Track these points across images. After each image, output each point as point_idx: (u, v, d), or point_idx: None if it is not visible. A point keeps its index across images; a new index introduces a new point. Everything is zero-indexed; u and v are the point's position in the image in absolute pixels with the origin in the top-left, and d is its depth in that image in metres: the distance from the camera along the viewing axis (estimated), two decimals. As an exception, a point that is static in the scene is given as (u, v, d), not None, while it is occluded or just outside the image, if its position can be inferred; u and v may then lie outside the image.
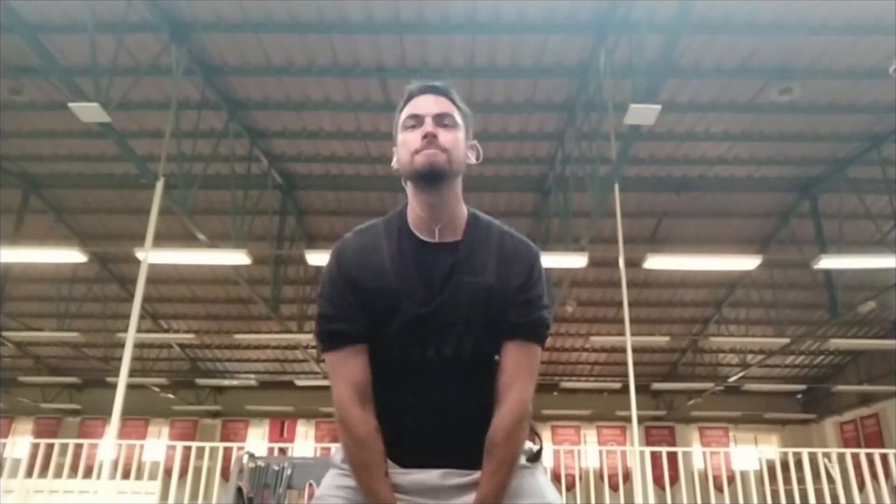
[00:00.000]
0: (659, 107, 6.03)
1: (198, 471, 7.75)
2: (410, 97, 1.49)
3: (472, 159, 1.52)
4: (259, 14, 7.06)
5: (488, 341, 1.43)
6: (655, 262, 9.30)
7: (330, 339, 1.44)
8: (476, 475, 1.39)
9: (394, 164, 1.50)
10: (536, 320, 1.45)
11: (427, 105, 1.45)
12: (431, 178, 1.41)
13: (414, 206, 1.48)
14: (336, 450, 1.53)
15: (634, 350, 8.00)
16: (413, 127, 1.44)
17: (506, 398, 1.41)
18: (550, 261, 8.49)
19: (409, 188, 1.48)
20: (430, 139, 1.41)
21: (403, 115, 1.48)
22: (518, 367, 1.42)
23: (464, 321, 1.40)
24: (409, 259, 1.43)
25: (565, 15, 7.02)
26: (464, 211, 1.50)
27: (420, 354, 1.41)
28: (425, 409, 1.41)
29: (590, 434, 18.65)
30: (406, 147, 1.44)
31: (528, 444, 1.51)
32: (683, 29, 5.67)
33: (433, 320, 1.40)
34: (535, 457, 1.50)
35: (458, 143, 1.45)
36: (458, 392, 1.42)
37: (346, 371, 1.42)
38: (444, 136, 1.43)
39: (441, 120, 1.44)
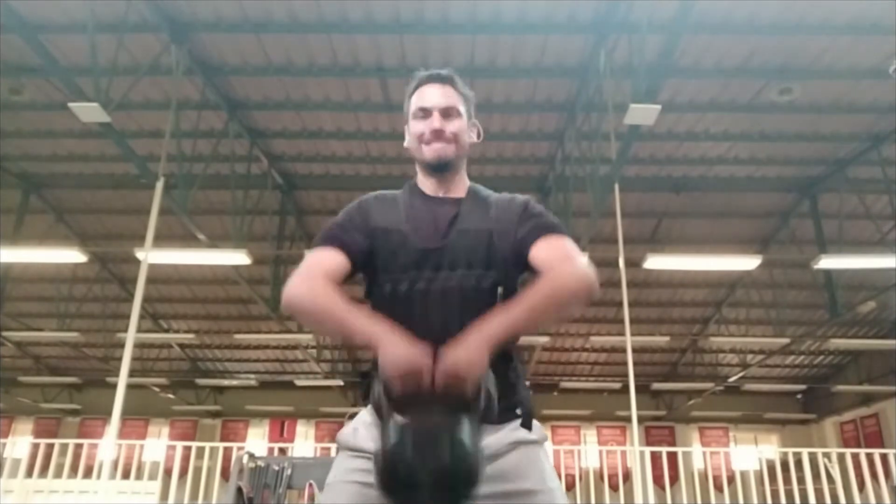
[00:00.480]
0: (659, 107, 6.04)
1: (198, 471, 7.75)
2: (419, 85, 1.66)
3: (474, 138, 1.70)
4: (259, 14, 7.06)
5: (490, 277, 1.50)
6: (655, 262, 9.30)
7: (323, 240, 1.56)
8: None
9: (406, 143, 1.70)
10: (548, 222, 1.56)
11: (434, 97, 1.62)
12: (439, 168, 1.61)
13: (422, 177, 1.68)
14: (343, 430, 1.52)
15: (634, 350, 8.00)
16: (422, 118, 1.62)
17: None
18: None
19: (418, 167, 1.67)
20: (438, 134, 1.59)
21: (413, 104, 1.65)
22: (553, 254, 1.48)
23: (466, 260, 1.50)
24: (418, 208, 1.60)
25: (565, 15, 7.02)
26: (466, 182, 1.69)
27: (426, 287, 1.48)
28: (430, 336, 1.37)
29: (590, 434, 18.65)
30: (415, 136, 1.63)
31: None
32: (683, 29, 5.67)
33: (438, 257, 1.50)
34: (528, 416, 1.49)
35: (463, 131, 1.63)
36: (461, 323, 1.38)
37: (324, 263, 1.50)
38: (450, 127, 1.60)
39: (447, 114, 1.61)
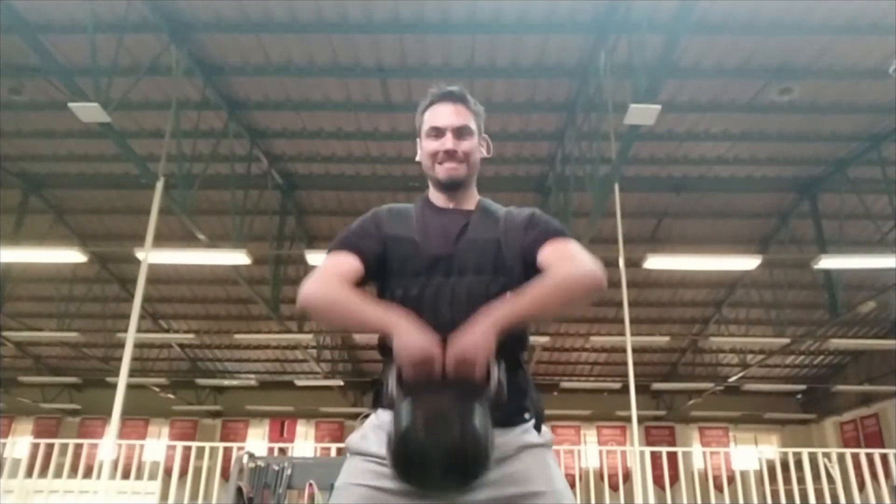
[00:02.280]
0: (659, 107, 6.03)
1: (198, 471, 7.75)
2: (431, 103, 1.70)
3: (485, 153, 1.75)
4: (259, 14, 7.06)
5: (498, 282, 1.53)
6: (655, 262, 9.30)
7: (338, 244, 1.60)
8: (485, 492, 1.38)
9: (418, 158, 1.73)
10: (554, 228, 1.60)
11: (447, 116, 1.66)
12: (451, 187, 1.67)
13: (434, 193, 1.72)
14: (352, 435, 1.53)
15: (634, 350, 8.00)
16: (435, 137, 1.66)
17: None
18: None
19: (430, 182, 1.72)
20: (450, 154, 1.64)
21: (426, 122, 1.69)
22: (561, 253, 1.52)
23: (475, 266, 1.54)
24: (430, 218, 1.65)
25: (565, 15, 7.02)
26: (476, 196, 1.73)
27: (436, 292, 1.51)
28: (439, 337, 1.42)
29: (590, 434, 18.66)
30: (428, 154, 1.68)
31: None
32: (683, 29, 5.67)
33: (448, 263, 1.54)
34: (538, 421, 1.51)
35: (474, 150, 1.68)
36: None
37: (340, 266, 1.54)
38: (462, 147, 1.65)
39: (459, 133, 1.65)
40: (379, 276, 1.59)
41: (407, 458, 1.24)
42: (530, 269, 1.53)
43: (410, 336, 1.29)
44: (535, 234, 1.58)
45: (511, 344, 1.42)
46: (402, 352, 1.28)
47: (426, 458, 1.22)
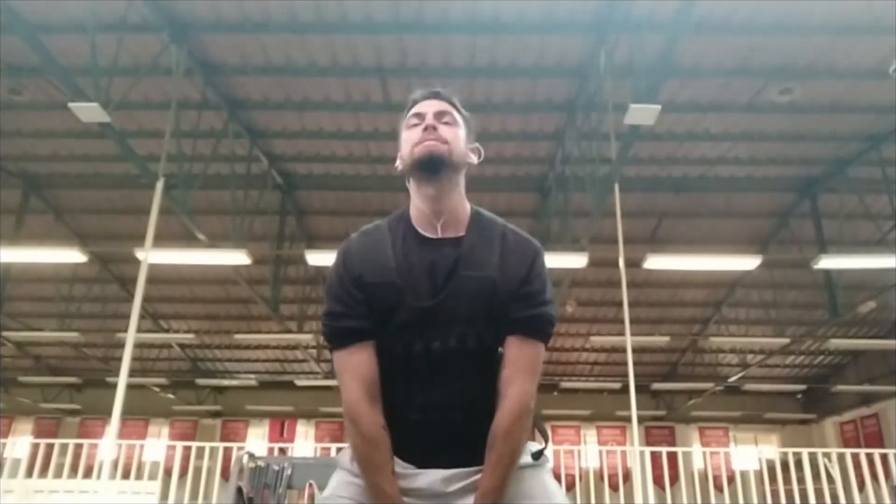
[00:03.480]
0: (659, 107, 6.03)
1: (198, 471, 7.74)
2: (414, 103, 1.57)
3: (474, 159, 1.58)
4: (259, 14, 7.06)
5: (492, 335, 1.44)
6: (655, 262, 9.29)
7: (340, 337, 1.46)
8: (478, 476, 1.40)
9: (398, 164, 1.56)
10: (538, 316, 1.45)
11: (429, 105, 1.53)
12: (431, 165, 1.46)
13: (416, 203, 1.52)
14: (343, 451, 1.54)
15: (634, 350, 8.00)
16: (415, 125, 1.51)
17: (506, 394, 1.42)
18: (550, 261, 8.39)
19: (411, 185, 1.53)
20: (430, 130, 1.48)
21: (406, 118, 1.56)
22: (519, 363, 1.43)
23: (467, 315, 1.42)
24: (413, 255, 1.46)
25: (565, 15, 7.01)
26: (466, 207, 1.54)
27: (424, 348, 1.41)
28: (430, 403, 1.42)
29: (590, 434, 18.64)
30: (408, 143, 1.51)
31: (534, 445, 1.51)
32: (683, 29, 5.66)
33: (437, 314, 1.41)
34: (538, 454, 1.50)
35: (459, 138, 1.52)
36: (462, 386, 1.43)
37: (356, 368, 1.43)
38: (445, 130, 1.50)
39: (441, 117, 1.52)
40: None
41: None
42: (502, 320, 1.44)
43: None
44: (520, 306, 1.43)
45: (489, 369, 1.45)
46: None
47: None
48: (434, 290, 1.42)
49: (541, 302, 1.46)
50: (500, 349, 1.46)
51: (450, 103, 1.55)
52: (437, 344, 1.41)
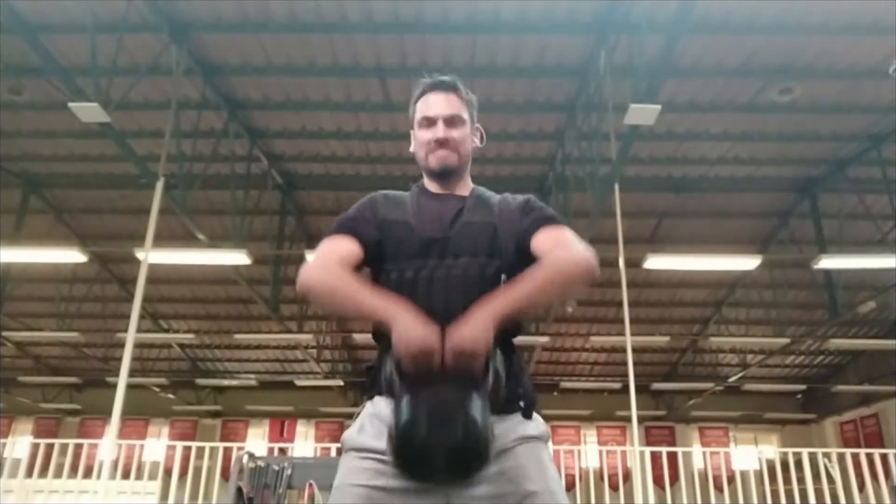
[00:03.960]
0: (659, 107, 6.03)
1: (198, 471, 7.75)
2: (423, 93, 1.71)
3: (477, 142, 1.77)
4: (259, 14, 7.06)
5: (493, 264, 1.54)
6: (655, 262, 9.30)
7: (336, 228, 1.61)
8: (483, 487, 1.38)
9: (411, 149, 1.76)
10: (548, 215, 1.63)
11: (438, 105, 1.68)
12: (443, 175, 1.68)
13: (428, 181, 1.74)
14: (348, 431, 1.51)
15: (634, 350, 8.00)
16: (427, 127, 1.68)
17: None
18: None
19: (423, 171, 1.73)
20: (442, 143, 1.65)
21: (418, 111, 1.71)
22: (554, 240, 1.55)
23: (470, 249, 1.55)
24: (426, 203, 1.66)
25: (565, 15, 7.02)
26: (470, 184, 1.75)
27: (430, 274, 1.51)
28: (433, 318, 1.38)
29: (590, 434, 18.65)
30: (421, 144, 1.69)
31: (541, 422, 1.52)
32: (683, 29, 5.67)
33: (443, 246, 1.55)
34: (530, 406, 1.50)
35: (466, 139, 1.70)
36: (463, 305, 1.40)
37: (340, 249, 1.55)
38: (454, 135, 1.66)
39: (451, 122, 1.67)
40: (375, 260, 1.59)
41: (409, 452, 1.25)
42: (524, 254, 1.55)
43: (410, 327, 1.28)
44: (529, 220, 1.60)
45: (507, 329, 1.41)
46: (401, 343, 1.27)
47: (428, 452, 1.23)
48: (441, 227, 1.58)
49: (545, 211, 1.65)
50: (502, 276, 1.51)
51: (456, 94, 1.69)
52: (442, 271, 1.52)
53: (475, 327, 1.28)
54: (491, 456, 1.28)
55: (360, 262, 1.56)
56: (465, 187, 1.73)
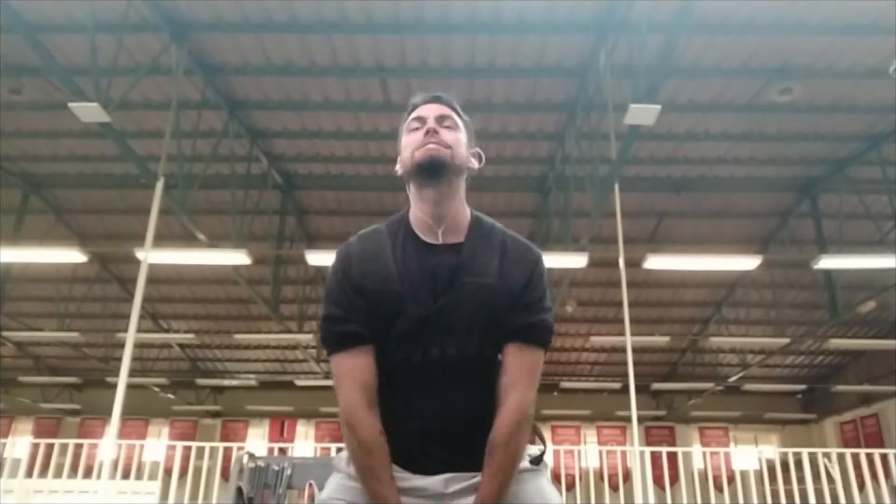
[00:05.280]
0: (659, 107, 6.03)
1: (198, 471, 7.74)
2: (414, 107, 1.55)
3: (475, 164, 1.57)
4: (259, 14, 7.06)
5: (491, 342, 1.44)
6: (655, 262, 9.29)
7: (339, 341, 1.44)
8: (478, 479, 1.39)
9: (398, 168, 1.55)
10: (538, 323, 1.45)
11: (430, 109, 1.52)
12: (432, 169, 1.45)
13: (416, 208, 1.51)
14: (340, 454, 1.53)
15: (634, 350, 8.00)
16: (416, 129, 1.51)
17: (506, 401, 1.41)
18: (550, 261, 8.49)
19: (411, 190, 1.51)
20: (431, 134, 1.47)
21: (407, 121, 1.55)
22: (519, 370, 1.43)
23: (466, 322, 1.41)
24: (413, 262, 1.45)
25: (565, 15, 7.02)
26: (467, 213, 1.53)
27: (424, 356, 1.41)
28: (430, 411, 1.41)
29: (590, 434, 18.65)
30: (409, 147, 1.49)
31: (532, 448, 1.51)
32: (683, 29, 5.67)
33: (437, 322, 1.40)
34: (537, 460, 1.50)
35: (460, 142, 1.51)
36: (462, 393, 1.42)
37: (355, 372, 1.42)
38: (446, 134, 1.49)
39: (442, 121, 1.51)
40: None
41: None
42: (501, 330, 1.43)
43: None
44: (520, 314, 1.43)
45: (488, 377, 1.44)
46: None
47: None
48: (434, 298, 1.41)
49: (540, 309, 1.46)
50: (499, 356, 1.45)
51: (450, 108, 1.54)
52: (436, 352, 1.40)
53: None
54: None
55: (375, 363, 1.44)
56: (461, 218, 1.50)
